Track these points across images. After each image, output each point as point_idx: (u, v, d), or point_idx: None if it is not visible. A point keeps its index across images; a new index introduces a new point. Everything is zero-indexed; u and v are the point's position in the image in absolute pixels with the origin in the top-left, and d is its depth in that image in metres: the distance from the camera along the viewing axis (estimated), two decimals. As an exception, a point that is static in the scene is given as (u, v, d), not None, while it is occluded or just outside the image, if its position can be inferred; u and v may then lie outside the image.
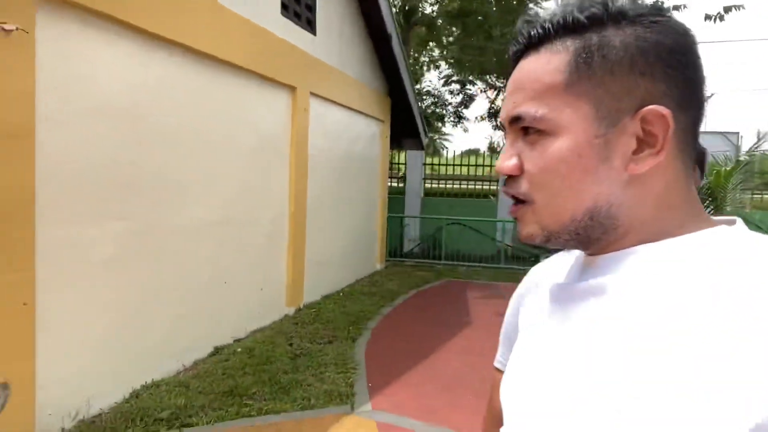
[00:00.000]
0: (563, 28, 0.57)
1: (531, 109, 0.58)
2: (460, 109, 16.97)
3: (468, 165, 12.00)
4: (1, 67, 2.71)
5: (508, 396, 0.68)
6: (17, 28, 2.80)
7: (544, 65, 0.58)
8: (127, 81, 3.61)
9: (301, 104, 5.97)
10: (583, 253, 0.65)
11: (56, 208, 3.13)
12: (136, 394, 3.75)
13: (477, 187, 12.61)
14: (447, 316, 6.24)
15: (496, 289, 7.93)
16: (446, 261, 10.02)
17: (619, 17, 0.56)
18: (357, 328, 5.50)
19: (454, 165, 12.06)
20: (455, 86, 16.49)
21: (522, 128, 0.60)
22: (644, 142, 0.55)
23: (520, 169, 0.60)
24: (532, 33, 0.59)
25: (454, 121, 17.49)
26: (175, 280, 4.19)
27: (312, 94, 6.25)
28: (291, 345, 4.89)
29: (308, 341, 5.02)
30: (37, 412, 3.06)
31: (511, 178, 0.61)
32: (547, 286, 0.68)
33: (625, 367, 0.51)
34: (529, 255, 10.11)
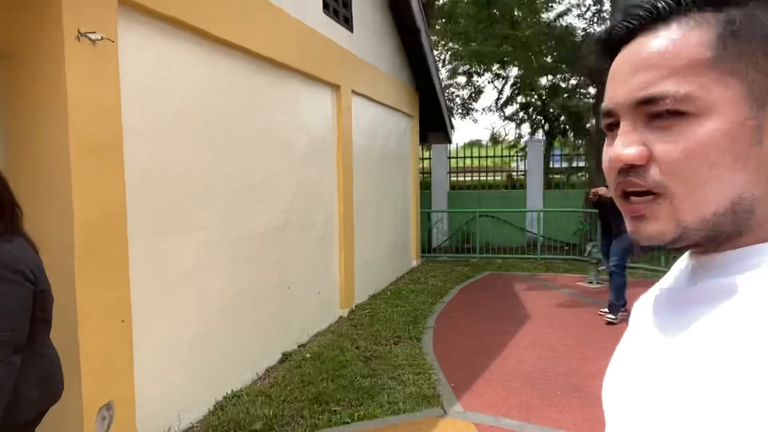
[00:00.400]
0: (702, 1, 0.52)
1: (672, 88, 0.51)
2: (468, 102, 16.82)
3: (495, 156, 11.89)
4: (90, 78, 2.63)
5: (611, 404, 0.64)
6: (102, 38, 2.72)
7: (684, 39, 0.52)
8: (197, 87, 3.53)
9: (345, 103, 5.88)
10: (688, 258, 0.61)
11: (142, 221, 3.06)
12: (220, 406, 3.69)
13: (502, 178, 12.51)
14: (502, 310, 6.15)
15: (539, 279, 7.85)
16: (480, 254, 9.94)
17: None
18: (417, 328, 5.43)
19: (479, 157, 11.95)
20: (462, 78, 16.35)
21: (650, 113, 0.53)
22: None
23: (647, 157, 0.53)
24: (660, 5, 0.53)
25: (462, 113, 17.37)
26: (247, 289, 4.12)
27: (353, 92, 6.16)
28: (358, 348, 4.81)
29: (373, 343, 4.95)
30: (138, 428, 2.99)
31: (632, 169, 0.54)
32: (653, 295, 0.64)
33: (736, 364, 0.46)
34: (564, 244, 10.02)
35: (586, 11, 12.92)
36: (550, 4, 12.55)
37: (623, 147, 0.54)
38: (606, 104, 0.57)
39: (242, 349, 4.07)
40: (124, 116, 2.88)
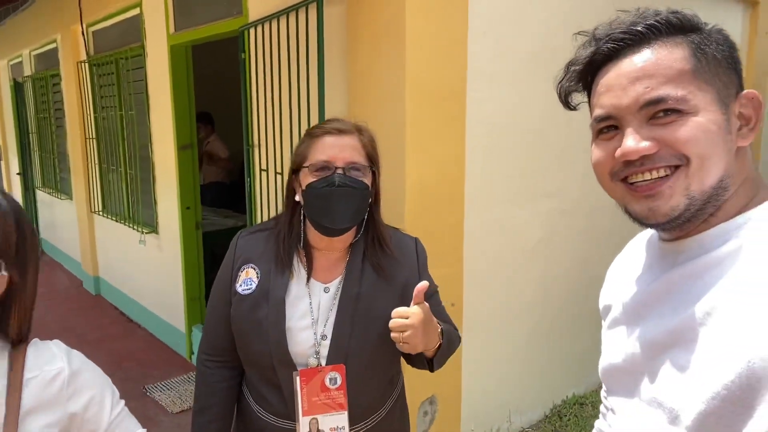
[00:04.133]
0: (671, 27, 0.68)
1: (672, 92, 0.65)
2: None
3: None
4: (433, 8, 2.12)
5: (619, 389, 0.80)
6: (450, -44, 2.16)
7: (669, 55, 0.66)
8: (564, 12, 2.73)
9: (764, 24, 4.18)
10: (658, 248, 0.77)
11: (482, 185, 2.51)
12: (557, 412, 3.04)
13: None
14: None
15: None
16: None
17: (696, 25, 0.69)
18: None
19: None
20: None
21: (653, 112, 0.66)
22: (744, 121, 0.68)
23: (657, 147, 0.65)
24: (644, 30, 0.68)
25: None
26: (600, 273, 3.27)
27: (774, 7, 4.36)
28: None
29: None
30: (462, 427, 2.59)
31: (646, 158, 0.66)
32: (625, 285, 0.82)
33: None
34: None
35: None
36: None
37: (637, 142, 0.66)
38: (607, 110, 0.70)
39: (590, 346, 3.28)
40: (471, 55, 2.32)
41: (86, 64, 4.81)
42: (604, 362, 0.84)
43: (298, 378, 1.19)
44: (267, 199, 2.76)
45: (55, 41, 5.55)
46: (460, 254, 2.39)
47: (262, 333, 1.21)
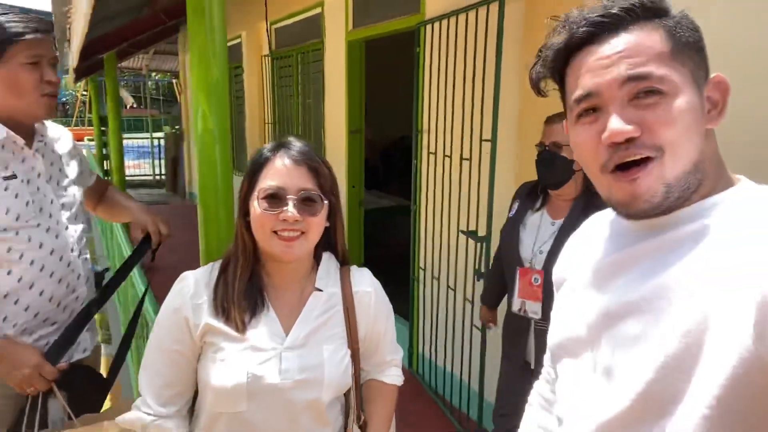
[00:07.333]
0: (645, 11, 0.69)
1: (654, 70, 0.66)
2: None
3: None
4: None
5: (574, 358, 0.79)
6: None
7: (647, 37, 0.67)
8: None
9: None
10: (618, 221, 0.78)
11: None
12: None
13: None
14: None
15: None
16: None
17: (667, 9, 0.70)
18: None
19: None
20: None
21: (636, 91, 0.66)
22: (711, 105, 0.70)
23: (639, 131, 0.66)
24: (620, 13, 0.69)
25: None
26: None
27: None
28: None
29: None
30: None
31: (628, 142, 0.67)
32: (589, 262, 0.80)
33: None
34: None
35: None
36: None
37: (623, 124, 0.66)
38: (588, 89, 0.69)
39: None
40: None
41: (269, 58, 5.47)
42: (556, 331, 0.84)
43: (518, 271, 1.88)
44: (433, 179, 3.05)
45: (239, 37, 6.35)
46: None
47: (508, 239, 1.96)
